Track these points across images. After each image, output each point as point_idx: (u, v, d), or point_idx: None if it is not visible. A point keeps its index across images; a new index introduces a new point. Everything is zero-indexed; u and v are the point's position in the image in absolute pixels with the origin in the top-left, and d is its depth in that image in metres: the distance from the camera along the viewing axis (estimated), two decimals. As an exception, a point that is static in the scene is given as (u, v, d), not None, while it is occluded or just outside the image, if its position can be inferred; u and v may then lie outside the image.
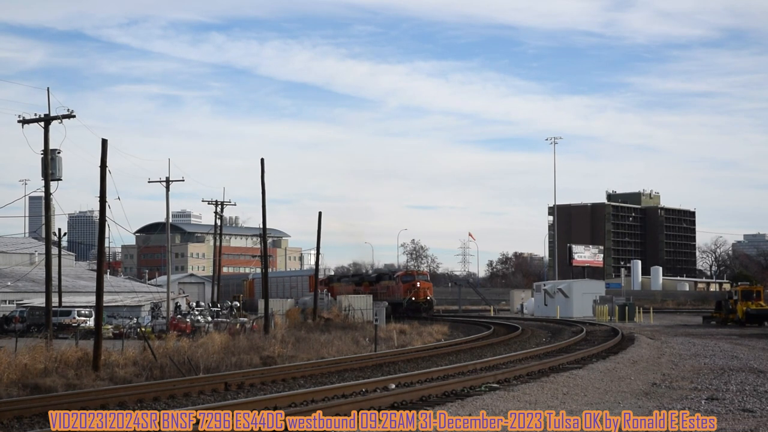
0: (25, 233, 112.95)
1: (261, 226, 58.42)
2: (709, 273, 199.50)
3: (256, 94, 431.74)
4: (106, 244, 36.19)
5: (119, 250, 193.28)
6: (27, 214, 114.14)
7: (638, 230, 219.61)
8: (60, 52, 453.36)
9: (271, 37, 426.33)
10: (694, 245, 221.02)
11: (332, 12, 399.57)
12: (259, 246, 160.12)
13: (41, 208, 47.09)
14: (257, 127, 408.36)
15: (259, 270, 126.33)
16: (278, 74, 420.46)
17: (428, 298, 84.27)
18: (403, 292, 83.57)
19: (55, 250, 58.37)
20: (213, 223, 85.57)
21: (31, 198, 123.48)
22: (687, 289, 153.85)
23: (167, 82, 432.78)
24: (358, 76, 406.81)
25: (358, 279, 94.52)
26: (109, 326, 56.61)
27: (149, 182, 64.68)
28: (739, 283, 71.25)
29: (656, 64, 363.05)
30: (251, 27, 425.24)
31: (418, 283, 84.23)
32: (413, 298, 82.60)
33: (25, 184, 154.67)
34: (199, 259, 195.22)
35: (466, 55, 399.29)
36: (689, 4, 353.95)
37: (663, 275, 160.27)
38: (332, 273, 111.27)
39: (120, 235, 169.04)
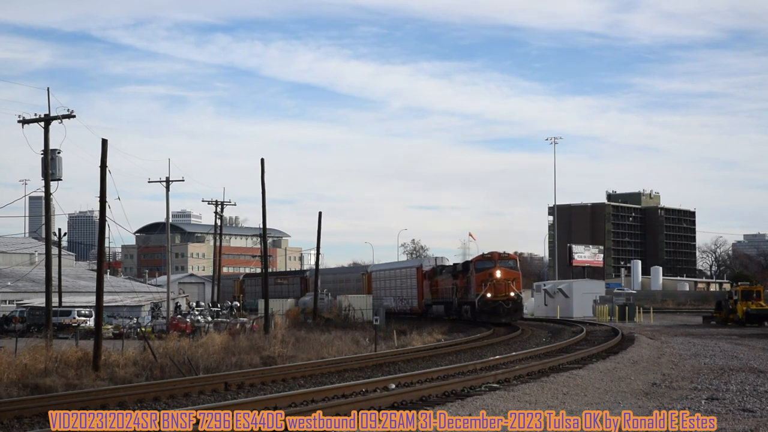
0: (25, 233, 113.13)
1: (261, 226, 58.47)
2: (709, 273, 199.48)
3: (260, 95, 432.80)
4: (106, 244, 36.23)
5: (119, 250, 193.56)
6: (27, 214, 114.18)
7: (638, 230, 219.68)
8: (66, 53, 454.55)
9: (275, 38, 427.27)
10: (694, 245, 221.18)
11: (338, 13, 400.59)
12: (258, 246, 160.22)
13: (41, 208, 47.10)
14: (260, 127, 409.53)
15: (349, 265, 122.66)
16: (282, 75, 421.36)
17: (511, 294, 60.72)
18: (476, 285, 61.21)
19: (55, 250, 58.40)
20: (213, 223, 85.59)
21: (31, 198, 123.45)
22: (687, 289, 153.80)
23: (172, 83, 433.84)
24: (362, 76, 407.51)
25: (453, 270, 74.04)
26: (109, 326, 56.61)
27: (149, 182, 64.94)
28: (739, 283, 71.21)
29: (659, 65, 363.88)
30: (256, 28, 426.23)
31: (498, 272, 60.71)
32: (488, 295, 60.07)
33: (26, 184, 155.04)
34: (199, 259, 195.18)
35: (470, 56, 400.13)
36: (693, 5, 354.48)
37: (663, 275, 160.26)
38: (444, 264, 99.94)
39: (120, 235, 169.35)
